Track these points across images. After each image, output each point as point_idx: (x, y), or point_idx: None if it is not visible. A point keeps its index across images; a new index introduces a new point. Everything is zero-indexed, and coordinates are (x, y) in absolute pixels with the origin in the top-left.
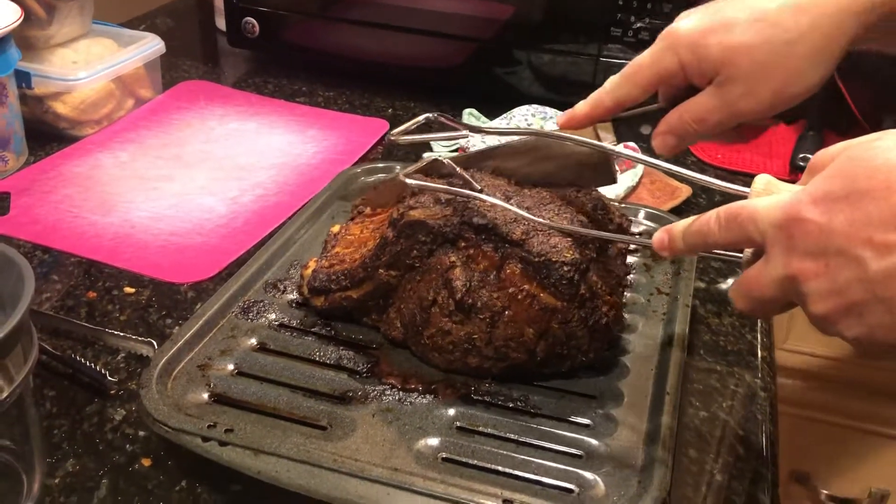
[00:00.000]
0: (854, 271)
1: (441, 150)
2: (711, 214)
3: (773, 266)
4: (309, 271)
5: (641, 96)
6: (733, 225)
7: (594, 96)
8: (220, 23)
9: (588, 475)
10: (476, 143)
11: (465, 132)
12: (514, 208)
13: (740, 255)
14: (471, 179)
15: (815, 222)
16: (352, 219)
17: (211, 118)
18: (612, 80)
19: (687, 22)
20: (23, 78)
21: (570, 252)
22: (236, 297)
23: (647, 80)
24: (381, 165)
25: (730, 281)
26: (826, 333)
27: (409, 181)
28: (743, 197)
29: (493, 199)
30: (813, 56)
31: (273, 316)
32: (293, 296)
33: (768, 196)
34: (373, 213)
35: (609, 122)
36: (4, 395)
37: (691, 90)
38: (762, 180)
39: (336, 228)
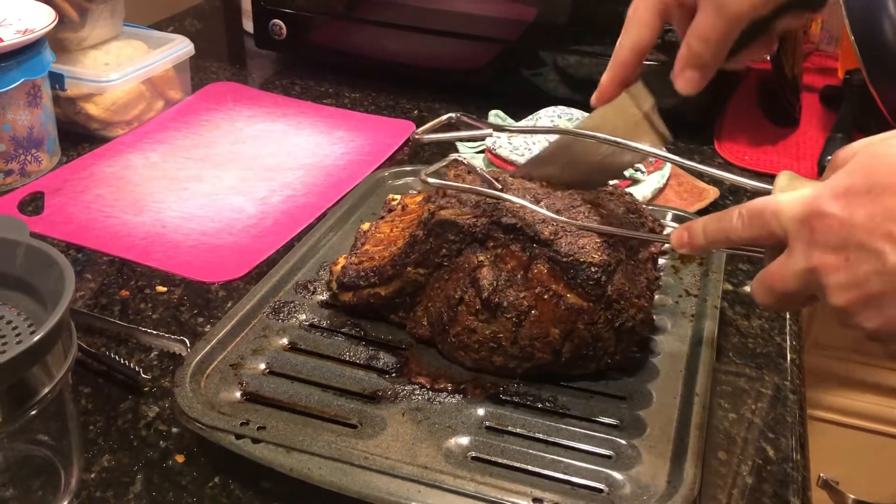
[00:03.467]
0: (874, 264)
1: (467, 151)
2: (733, 211)
3: (794, 260)
4: (338, 267)
5: (651, 37)
6: (756, 221)
7: (611, 59)
8: (248, 25)
9: (618, 475)
10: (502, 143)
11: (488, 131)
12: (543, 210)
13: (761, 250)
14: (492, 180)
15: (837, 216)
16: (382, 217)
17: (239, 119)
18: (620, 37)
19: None
20: (56, 80)
21: (599, 253)
22: (267, 298)
23: (647, 18)
24: (408, 168)
25: None
26: (846, 326)
27: (430, 181)
28: (766, 193)
29: (518, 200)
30: None
31: (303, 316)
32: (323, 296)
33: (791, 191)
34: (403, 211)
35: (640, 84)
36: (46, 390)
37: None
38: (785, 176)
39: (366, 226)
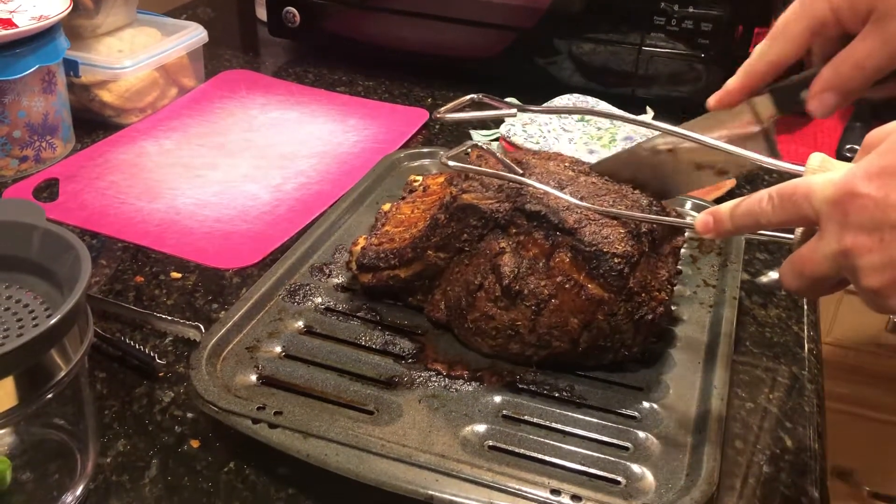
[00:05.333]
0: None
1: (482, 139)
2: (763, 194)
3: (826, 242)
4: (358, 248)
5: (795, 54)
6: (787, 203)
7: (745, 65)
8: (261, 13)
9: (635, 467)
10: (517, 131)
11: (512, 111)
12: (567, 196)
13: (789, 235)
14: (514, 165)
15: (872, 197)
16: (403, 198)
17: (252, 107)
18: (761, 45)
19: None
20: (70, 66)
21: (622, 244)
22: (283, 281)
23: (798, 34)
24: (425, 150)
25: (774, 275)
26: (877, 310)
27: (450, 163)
28: (796, 175)
29: (542, 186)
30: None
31: (319, 299)
32: (339, 279)
33: (823, 173)
34: (424, 193)
35: (766, 97)
36: (62, 374)
37: (845, 42)
38: (817, 158)
39: (387, 207)
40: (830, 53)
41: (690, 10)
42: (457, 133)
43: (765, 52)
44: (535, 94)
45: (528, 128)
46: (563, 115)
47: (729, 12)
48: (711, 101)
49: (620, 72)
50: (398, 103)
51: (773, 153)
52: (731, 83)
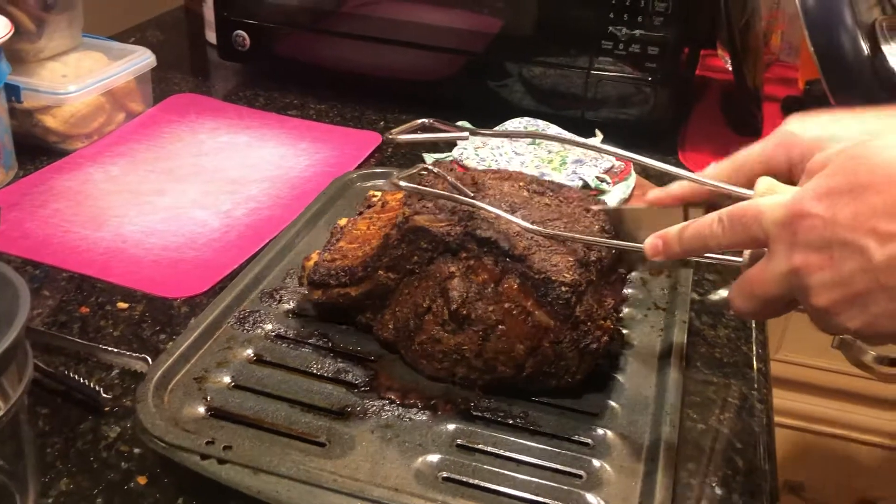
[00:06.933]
0: (858, 261)
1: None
2: (713, 216)
3: (775, 262)
4: (311, 263)
5: (746, 184)
6: (737, 225)
7: (693, 176)
8: (211, 36)
9: (589, 496)
10: (469, 154)
11: (464, 134)
12: (518, 220)
13: (738, 258)
14: (463, 188)
15: (820, 216)
16: (360, 213)
17: (202, 131)
18: (716, 166)
19: (802, 128)
20: (12, 91)
21: (570, 273)
22: (232, 307)
23: (753, 173)
24: (378, 171)
25: (724, 292)
26: (826, 328)
27: (402, 184)
28: (745, 198)
29: (494, 210)
30: None
31: (269, 326)
32: (290, 305)
33: (771, 196)
34: (382, 209)
35: (703, 206)
36: (0, 413)
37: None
38: (765, 182)
39: (343, 222)
40: None
41: (637, 33)
42: (410, 157)
43: (718, 175)
44: (487, 116)
45: (481, 151)
46: (514, 139)
47: (675, 35)
48: (652, 195)
49: (570, 95)
50: (350, 126)
51: None
52: (675, 190)
